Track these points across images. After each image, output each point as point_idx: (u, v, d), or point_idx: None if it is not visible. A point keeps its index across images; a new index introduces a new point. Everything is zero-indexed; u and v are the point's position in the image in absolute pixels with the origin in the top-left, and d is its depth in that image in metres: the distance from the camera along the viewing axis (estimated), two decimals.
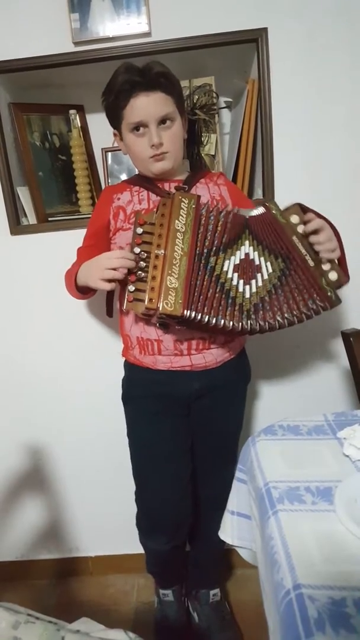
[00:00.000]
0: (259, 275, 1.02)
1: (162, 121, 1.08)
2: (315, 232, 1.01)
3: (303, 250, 1.01)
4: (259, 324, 1.00)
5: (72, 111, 1.42)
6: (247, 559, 0.99)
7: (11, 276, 1.46)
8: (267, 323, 1.00)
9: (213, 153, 1.39)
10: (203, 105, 1.35)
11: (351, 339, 1.20)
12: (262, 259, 1.02)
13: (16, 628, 0.91)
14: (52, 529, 1.66)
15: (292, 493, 0.76)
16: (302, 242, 1.02)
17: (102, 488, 1.61)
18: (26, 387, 1.55)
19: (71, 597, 1.61)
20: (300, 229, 1.02)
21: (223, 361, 1.17)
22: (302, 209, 1.04)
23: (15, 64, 1.29)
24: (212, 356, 1.15)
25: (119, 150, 1.45)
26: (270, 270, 1.02)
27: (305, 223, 1.02)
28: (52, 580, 1.68)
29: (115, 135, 1.17)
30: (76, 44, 1.28)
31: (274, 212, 1.04)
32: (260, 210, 1.05)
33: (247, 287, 1.01)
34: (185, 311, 0.96)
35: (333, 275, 1.02)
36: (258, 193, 1.39)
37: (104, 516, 1.63)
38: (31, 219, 1.43)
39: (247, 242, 1.03)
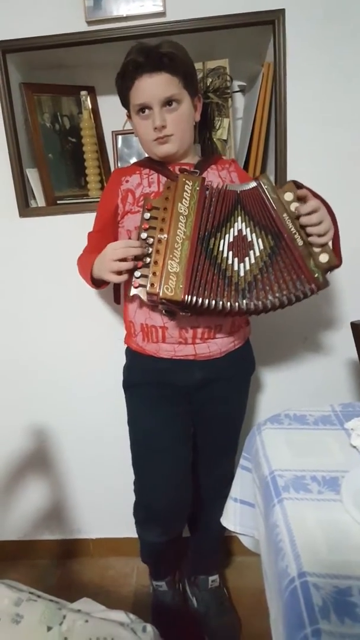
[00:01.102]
0: (251, 252, 0.99)
1: (168, 103, 1.05)
2: (309, 213, 0.97)
3: (292, 229, 0.98)
4: (254, 304, 0.97)
5: (83, 92, 1.40)
6: (248, 547, 0.99)
7: (19, 258, 1.45)
8: (260, 302, 0.98)
9: (225, 138, 1.36)
10: (216, 89, 1.32)
11: None
12: (253, 235, 1.00)
13: (18, 605, 0.93)
14: (55, 510, 1.68)
15: (297, 482, 0.75)
16: (292, 220, 0.98)
17: (105, 471, 1.63)
18: (31, 369, 1.55)
19: (72, 578, 1.64)
20: (293, 206, 0.98)
21: (227, 351, 1.16)
22: (297, 186, 1.00)
23: (27, 43, 1.27)
24: (217, 346, 1.14)
25: (130, 133, 1.45)
26: (262, 247, 0.99)
27: (299, 199, 0.98)
28: (54, 561, 1.70)
29: (128, 116, 1.15)
30: (89, 23, 1.26)
31: (265, 186, 1.00)
32: (252, 184, 1.02)
33: (242, 265, 0.99)
34: (186, 296, 0.95)
35: (324, 257, 0.98)
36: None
37: (106, 499, 1.65)
38: (40, 201, 1.42)
39: (239, 219, 1.00)
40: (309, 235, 0.98)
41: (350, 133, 1.32)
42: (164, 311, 1.07)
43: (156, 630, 0.95)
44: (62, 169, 1.45)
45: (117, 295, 1.19)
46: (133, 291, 1.00)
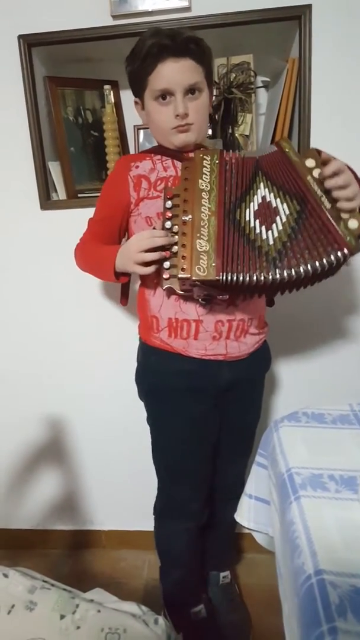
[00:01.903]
0: (277, 218, 0.93)
1: (190, 91, 1.01)
2: (333, 175, 0.90)
3: (318, 192, 0.91)
4: (287, 273, 0.90)
5: (106, 86, 1.40)
6: (261, 543, 0.99)
7: (40, 250, 1.47)
8: (293, 270, 0.90)
9: (247, 133, 1.36)
10: (240, 84, 1.31)
11: None
12: (278, 200, 0.94)
13: (32, 592, 0.94)
14: (68, 500, 1.70)
15: (315, 480, 0.75)
16: (317, 183, 0.92)
17: (118, 464, 1.64)
18: (48, 360, 1.57)
19: (83, 568, 1.65)
20: (316, 172, 0.92)
21: (254, 351, 1.14)
22: (319, 154, 0.95)
23: (52, 37, 1.27)
24: (246, 346, 1.11)
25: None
26: (288, 212, 0.93)
27: (323, 165, 0.92)
28: (66, 551, 1.72)
29: (136, 103, 1.10)
30: (115, 17, 1.26)
31: (286, 150, 0.95)
32: (271, 148, 0.97)
33: (269, 232, 0.93)
34: (221, 274, 0.90)
35: (353, 224, 0.90)
36: None
37: (119, 491, 1.66)
38: (61, 194, 1.43)
39: (262, 185, 0.95)
40: (335, 200, 0.92)
41: None
42: (200, 299, 1.02)
43: (169, 622, 0.95)
44: (84, 163, 1.46)
45: (125, 295, 1.15)
46: (165, 284, 0.97)
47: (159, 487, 1.30)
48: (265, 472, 0.93)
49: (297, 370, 1.52)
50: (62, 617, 0.90)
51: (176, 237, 0.95)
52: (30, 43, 1.28)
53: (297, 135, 1.30)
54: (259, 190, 0.95)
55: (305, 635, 0.54)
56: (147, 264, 0.98)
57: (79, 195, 1.43)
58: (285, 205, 0.93)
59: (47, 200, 1.40)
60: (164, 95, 1.01)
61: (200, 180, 0.95)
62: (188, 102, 1.01)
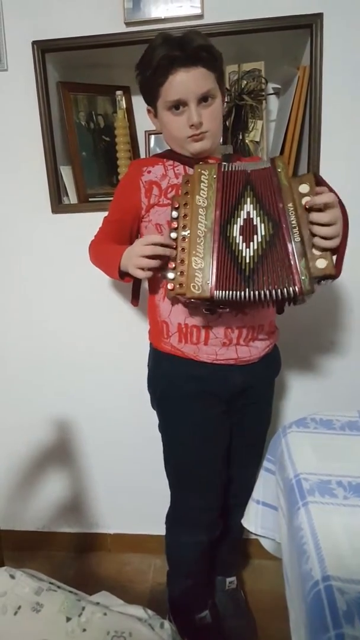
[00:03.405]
0: (255, 237, 0.93)
1: (203, 99, 1.00)
2: (320, 210, 0.89)
3: (294, 222, 0.90)
4: (256, 293, 0.91)
5: (118, 92, 1.41)
6: (268, 549, 0.99)
7: (51, 254, 1.48)
8: (261, 292, 0.91)
9: (258, 140, 1.36)
10: (251, 91, 1.32)
11: None
12: (258, 219, 0.93)
13: (39, 594, 0.94)
14: (74, 503, 1.70)
15: (323, 486, 0.75)
16: (297, 212, 0.90)
17: (124, 467, 1.64)
18: (59, 362, 1.58)
19: (89, 571, 1.65)
20: (305, 200, 0.90)
21: (265, 355, 1.14)
22: (317, 181, 0.93)
23: (66, 43, 1.29)
24: (257, 350, 1.11)
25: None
26: (263, 233, 0.92)
27: (315, 194, 0.91)
28: (71, 553, 1.72)
29: (149, 112, 1.10)
30: (128, 24, 1.27)
31: (278, 169, 0.93)
32: (265, 164, 0.96)
33: (248, 250, 0.93)
34: (216, 292, 0.91)
35: (321, 263, 0.89)
36: None
37: (125, 495, 1.66)
38: (72, 198, 1.44)
39: (248, 200, 0.94)
40: (314, 234, 0.90)
41: None
42: (204, 310, 1.02)
43: (174, 627, 0.95)
44: (95, 167, 1.47)
45: (136, 296, 1.15)
46: (169, 294, 0.97)
47: (172, 497, 1.29)
48: (273, 477, 0.93)
49: (307, 376, 1.52)
50: (68, 619, 0.90)
51: (179, 247, 0.96)
52: (44, 49, 1.30)
53: (308, 143, 1.30)
54: (245, 206, 0.95)
55: None
56: (146, 269, 0.99)
57: (90, 199, 1.44)
58: (263, 225, 0.93)
59: (58, 204, 1.42)
60: (177, 105, 1.01)
61: (197, 196, 0.95)
62: (202, 110, 1.01)
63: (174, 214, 0.97)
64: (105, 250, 1.17)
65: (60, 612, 0.91)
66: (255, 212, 0.94)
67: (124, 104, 1.43)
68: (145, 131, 1.49)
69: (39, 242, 1.47)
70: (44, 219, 1.44)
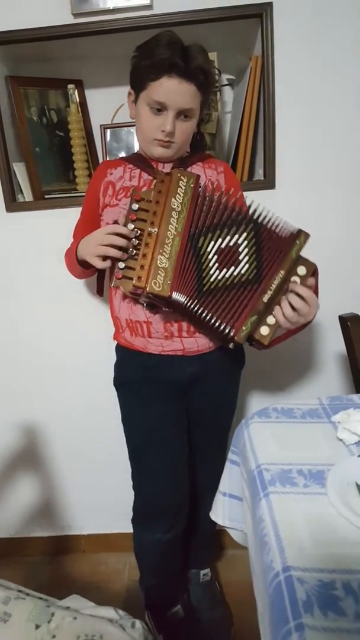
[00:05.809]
0: (232, 267, 0.98)
1: (184, 114, 1.04)
2: (299, 296, 0.96)
3: (273, 285, 0.97)
4: (197, 307, 0.97)
5: (70, 86, 1.38)
6: (238, 541, 0.99)
7: (6, 254, 1.44)
8: (201, 309, 0.97)
9: (214, 131, 1.36)
10: None
11: (348, 323, 1.19)
12: (246, 257, 0.98)
13: (6, 603, 0.92)
14: (46, 507, 1.67)
15: (284, 475, 0.75)
16: (283, 282, 0.97)
17: (95, 467, 1.62)
18: (22, 365, 1.54)
19: (64, 574, 1.63)
20: (294, 279, 0.98)
21: (217, 345, 1.15)
22: (314, 273, 1.00)
23: (12, 36, 1.25)
24: (205, 340, 1.13)
25: (119, 127, 1.43)
26: (242, 271, 0.98)
27: (302, 282, 0.98)
28: (46, 558, 1.69)
29: (129, 94, 1.11)
30: (75, 15, 1.24)
31: (297, 241, 0.98)
32: (293, 229, 1.00)
33: (217, 272, 0.98)
34: (174, 293, 0.95)
35: (264, 330, 0.97)
36: (259, 173, 1.37)
37: (97, 495, 1.64)
38: (27, 195, 1.40)
39: (244, 235, 0.98)
40: (279, 304, 0.97)
41: (338, 124, 1.32)
42: (144, 304, 1.06)
43: (145, 625, 0.94)
44: (50, 163, 1.44)
45: (101, 286, 1.17)
46: (115, 282, 1.00)
47: (134, 490, 1.28)
48: (237, 469, 0.93)
49: (272, 369, 1.52)
50: (37, 627, 0.88)
51: (135, 240, 0.98)
52: None
53: (263, 133, 1.30)
54: (236, 236, 0.98)
55: (274, 633, 0.54)
56: (104, 258, 1.00)
57: (46, 196, 1.41)
58: (247, 266, 0.98)
59: (12, 202, 1.38)
60: (159, 107, 1.03)
61: (173, 199, 0.98)
62: (178, 122, 1.05)
63: (135, 206, 0.98)
64: (69, 249, 1.18)
65: (29, 620, 0.90)
66: (247, 249, 0.98)
67: (77, 97, 1.40)
68: (101, 125, 1.46)
69: None
70: None
